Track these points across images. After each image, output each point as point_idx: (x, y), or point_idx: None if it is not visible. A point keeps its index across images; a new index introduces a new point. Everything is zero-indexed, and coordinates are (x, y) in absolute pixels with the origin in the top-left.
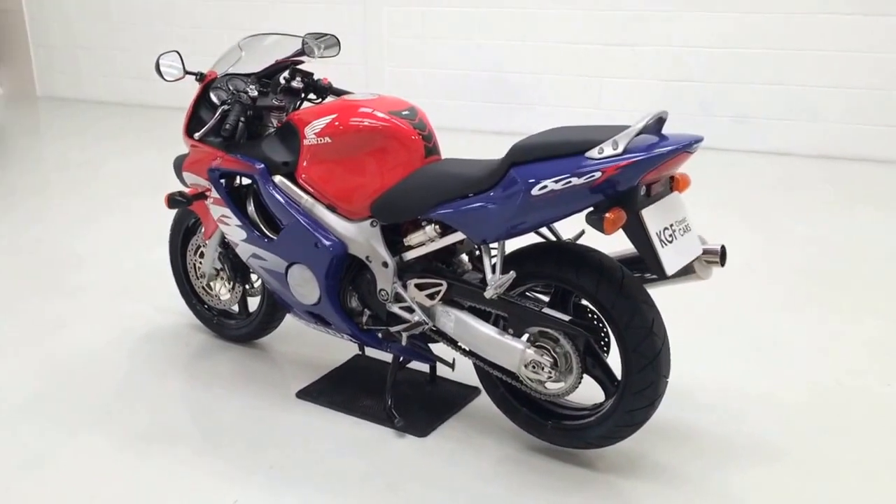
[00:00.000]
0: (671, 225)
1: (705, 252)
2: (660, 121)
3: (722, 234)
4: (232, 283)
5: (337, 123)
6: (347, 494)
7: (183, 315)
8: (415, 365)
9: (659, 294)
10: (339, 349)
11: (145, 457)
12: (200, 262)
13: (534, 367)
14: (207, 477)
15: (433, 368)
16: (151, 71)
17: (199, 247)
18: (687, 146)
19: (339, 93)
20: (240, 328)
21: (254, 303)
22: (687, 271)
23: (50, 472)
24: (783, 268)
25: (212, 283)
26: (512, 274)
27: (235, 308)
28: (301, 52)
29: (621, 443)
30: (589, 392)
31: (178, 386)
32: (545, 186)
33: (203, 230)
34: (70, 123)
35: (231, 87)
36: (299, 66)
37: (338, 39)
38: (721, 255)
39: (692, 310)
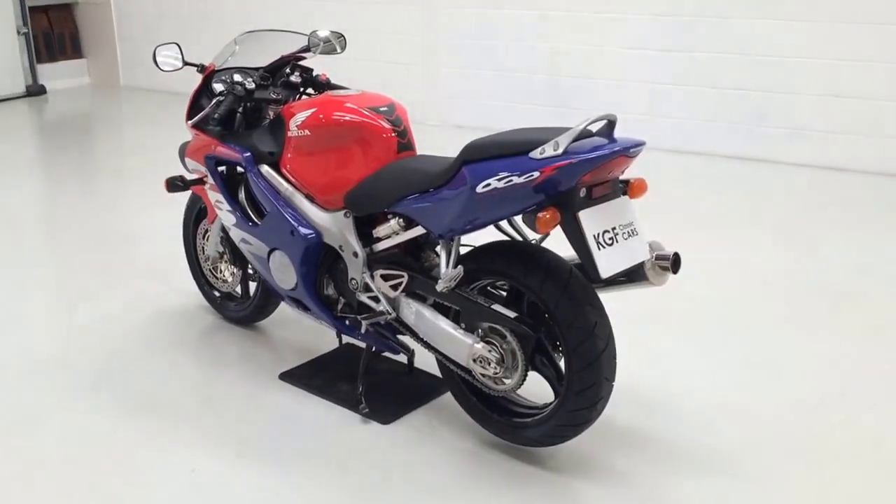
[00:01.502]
0: (613, 228)
1: (657, 258)
2: (610, 124)
3: (750, 247)
4: (233, 266)
5: (316, 117)
6: (299, 470)
7: (196, 296)
8: (399, 356)
9: (658, 300)
10: (331, 337)
11: (126, 423)
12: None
13: (481, 361)
14: (178, 445)
15: (410, 360)
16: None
17: (206, 230)
18: (624, 150)
19: (336, 88)
20: (238, 311)
21: (255, 287)
22: (639, 277)
23: (40, 431)
24: (800, 285)
25: (216, 266)
26: (460, 269)
27: (238, 291)
28: (306, 49)
29: (579, 444)
30: (547, 392)
31: (174, 361)
32: (489, 184)
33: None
34: (148, 111)
35: (229, 79)
36: (301, 62)
37: (344, 38)
38: (673, 263)
39: (691, 319)
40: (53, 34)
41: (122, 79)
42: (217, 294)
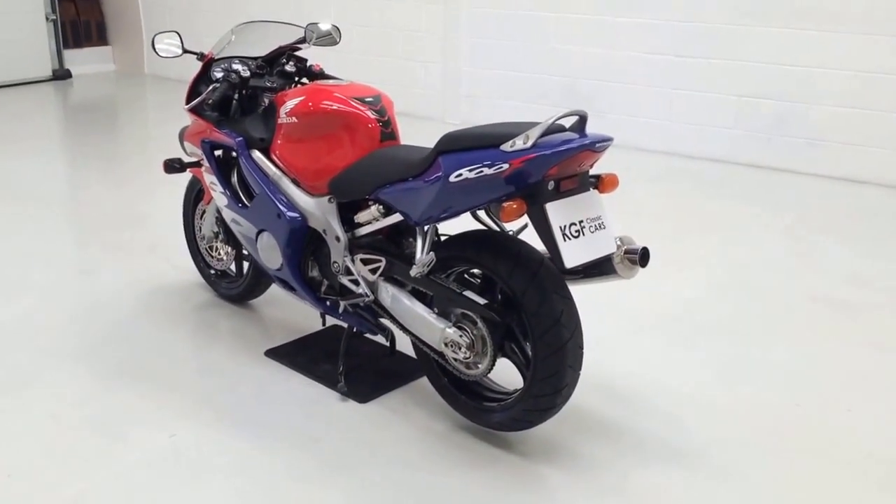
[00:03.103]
0: (580, 221)
1: (626, 252)
2: (581, 120)
3: (754, 253)
4: (227, 245)
5: (304, 105)
6: (274, 440)
7: (194, 273)
8: (380, 338)
9: (655, 300)
10: (318, 318)
11: (114, 387)
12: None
13: (452, 346)
14: (159, 412)
15: (392, 342)
16: None
17: (203, 211)
18: (591, 145)
19: (328, 78)
20: (231, 288)
21: (248, 267)
22: (609, 270)
23: (30, 390)
24: (799, 293)
25: (212, 245)
26: (432, 255)
27: (233, 269)
28: (302, 40)
29: (549, 431)
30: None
31: (167, 334)
32: (461, 174)
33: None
34: (169, 99)
35: (227, 67)
36: (296, 52)
37: (339, 31)
38: (641, 257)
39: (682, 321)
40: (80, 21)
41: (147, 67)
42: (212, 272)
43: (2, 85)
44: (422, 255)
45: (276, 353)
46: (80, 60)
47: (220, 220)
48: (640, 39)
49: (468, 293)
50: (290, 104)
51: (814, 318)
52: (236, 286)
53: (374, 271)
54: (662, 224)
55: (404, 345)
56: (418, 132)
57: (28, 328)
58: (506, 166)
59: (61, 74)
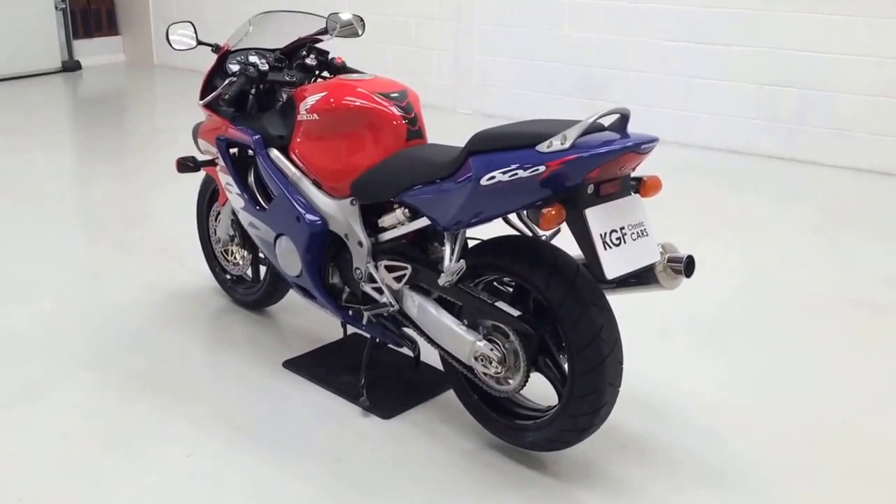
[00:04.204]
0: (621, 228)
1: (670, 261)
2: (623, 118)
3: (781, 252)
4: (243, 249)
5: (326, 101)
6: (292, 461)
7: (208, 277)
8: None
9: (677, 304)
10: (338, 326)
11: (128, 400)
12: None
13: (483, 360)
14: (174, 427)
15: (417, 353)
16: None
17: (218, 212)
18: (635, 146)
19: (351, 72)
20: (247, 294)
21: (265, 272)
22: (650, 279)
23: (43, 402)
24: (830, 295)
25: (227, 249)
26: (462, 263)
27: (249, 274)
28: (324, 31)
29: (582, 450)
30: (549, 394)
31: (181, 342)
32: (493, 177)
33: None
34: (181, 91)
35: (244, 60)
36: (316, 45)
37: (362, 21)
38: (686, 266)
39: (710, 325)
40: (90, 10)
41: (156, 57)
42: (228, 277)
43: (10, 77)
44: (450, 262)
45: (294, 365)
46: (91, 51)
47: (236, 223)
48: (658, 25)
49: (500, 304)
50: (311, 100)
51: (851, 321)
52: (253, 292)
53: (398, 279)
54: (682, 220)
55: (429, 355)
56: (429, 123)
57: (38, 334)
58: (542, 169)
59: (71, 66)
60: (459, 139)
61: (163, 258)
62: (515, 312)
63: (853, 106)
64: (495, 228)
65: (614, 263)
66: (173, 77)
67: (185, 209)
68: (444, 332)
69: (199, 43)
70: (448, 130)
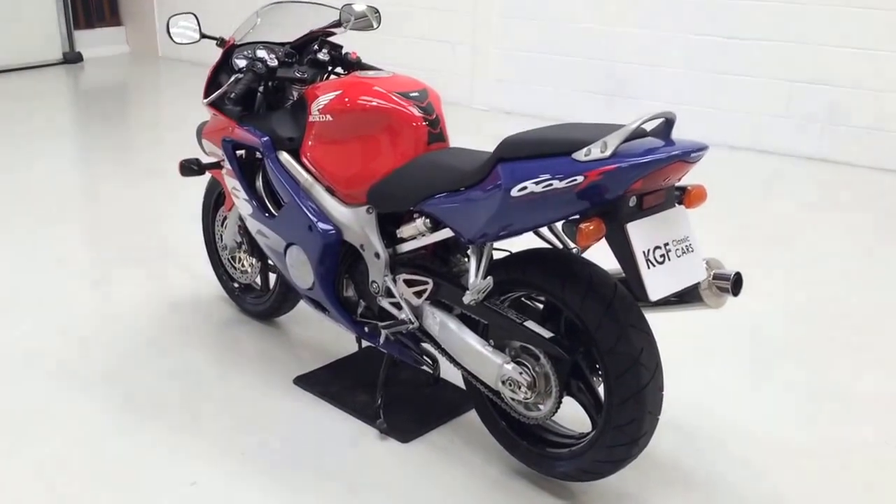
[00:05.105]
0: (665, 244)
1: (715, 278)
2: (668, 123)
3: (818, 261)
4: (251, 257)
5: (340, 101)
6: (305, 491)
7: (215, 285)
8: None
9: (712, 320)
10: (352, 339)
11: (128, 427)
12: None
13: (511, 384)
14: (178, 454)
15: (436, 370)
16: None
17: (224, 217)
18: (684, 155)
19: (366, 69)
20: (256, 304)
21: (275, 280)
22: (693, 298)
23: (37, 429)
24: (876, 310)
25: (234, 256)
26: (489, 280)
27: (258, 282)
28: (337, 24)
29: (614, 479)
30: (582, 417)
31: (186, 358)
32: (525, 188)
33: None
34: (186, 84)
35: (251, 55)
36: (329, 38)
37: (379, 13)
38: (734, 284)
39: (747, 343)
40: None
41: (161, 49)
42: (235, 285)
43: (9, 69)
44: (476, 278)
45: (306, 381)
46: (92, 42)
47: (244, 229)
48: (684, 19)
49: (530, 324)
50: (324, 100)
51: None
52: (262, 302)
53: (418, 294)
54: (712, 226)
55: (449, 370)
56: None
57: (33, 352)
58: (580, 179)
59: (72, 58)
60: (475, 135)
61: (168, 264)
62: (547, 334)
63: (890, 103)
64: (524, 239)
65: (658, 283)
66: (179, 70)
67: (191, 210)
68: (468, 354)
69: (203, 36)
70: (464, 126)
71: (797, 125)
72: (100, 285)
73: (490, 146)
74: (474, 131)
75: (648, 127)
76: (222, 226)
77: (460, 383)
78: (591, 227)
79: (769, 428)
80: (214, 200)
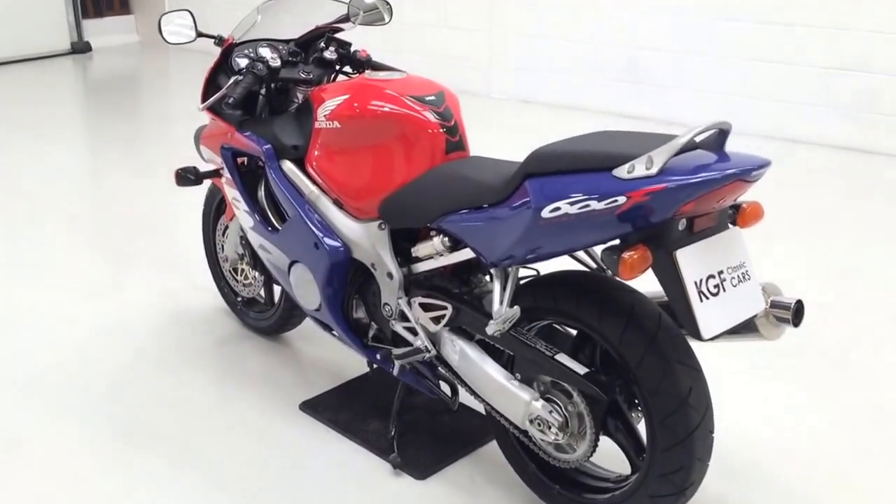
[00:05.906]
0: (720, 272)
1: (773, 306)
2: (722, 133)
3: (864, 263)
4: (254, 270)
5: (348, 106)
6: None
7: (217, 296)
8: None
9: None
10: (363, 358)
11: (116, 459)
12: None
13: (540, 424)
14: (174, 487)
15: (454, 395)
16: None
17: (226, 227)
18: (743, 173)
19: (378, 68)
20: (260, 319)
21: (280, 294)
22: (747, 329)
23: (20, 458)
24: None
25: (237, 268)
26: (516, 310)
27: (262, 296)
28: (345, 18)
29: None
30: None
31: (184, 378)
32: (558, 208)
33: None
34: (196, 74)
35: (252, 54)
36: (337, 35)
37: (389, 5)
38: (795, 313)
39: (801, 361)
40: None
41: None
42: (238, 298)
43: (16, 60)
44: (501, 306)
45: (313, 407)
46: (101, 31)
47: (246, 240)
48: (712, 3)
49: (562, 357)
50: (331, 104)
51: None
52: (266, 317)
53: (436, 320)
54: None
55: (468, 396)
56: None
57: (21, 372)
58: (623, 200)
59: (81, 48)
60: (493, 126)
61: (170, 273)
62: (581, 369)
63: None
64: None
65: (712, 319)
66: (189, 59)
67: (198, 209)
68: (491, 388)
69: (199, 35)
70: (481, 116)
71: (829, 114)
72: (95, 295)
73: (509, 140)
74: (494, 123)
75: (699, 138)
76: (223, 235)
77: (480, 408)
78: (636, 257)
79: (831, 460)
80: (215, 208)
